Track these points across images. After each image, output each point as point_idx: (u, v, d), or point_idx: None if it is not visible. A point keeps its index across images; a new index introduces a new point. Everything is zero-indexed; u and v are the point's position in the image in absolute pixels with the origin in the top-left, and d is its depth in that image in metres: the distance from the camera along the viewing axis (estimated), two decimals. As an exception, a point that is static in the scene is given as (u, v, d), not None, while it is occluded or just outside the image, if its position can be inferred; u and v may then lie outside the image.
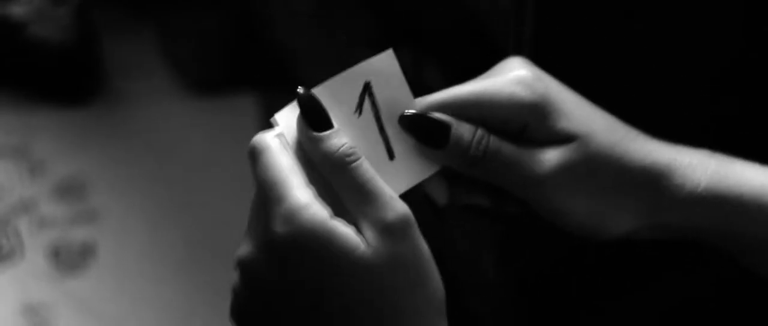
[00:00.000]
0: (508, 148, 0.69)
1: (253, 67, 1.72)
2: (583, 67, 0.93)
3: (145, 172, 1.62)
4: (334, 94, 0.67)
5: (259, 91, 1.71)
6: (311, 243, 0.63)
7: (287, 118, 0.67)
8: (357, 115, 0.67)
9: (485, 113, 0.69)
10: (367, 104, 0.68)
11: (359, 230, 0.64)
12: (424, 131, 0.68)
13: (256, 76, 1.72)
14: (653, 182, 0.69)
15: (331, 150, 0.65)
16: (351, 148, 0.65)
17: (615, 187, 0.69)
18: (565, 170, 0.69)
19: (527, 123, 0.68)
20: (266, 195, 0.64)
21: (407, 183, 0.68)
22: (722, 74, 1.06)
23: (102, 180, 1.61)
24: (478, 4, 1.08)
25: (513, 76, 0.69)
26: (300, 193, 0.63)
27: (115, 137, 1.68)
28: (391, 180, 0.66)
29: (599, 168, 0.69)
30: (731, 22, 1.03)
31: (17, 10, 1.69)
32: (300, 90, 0.66)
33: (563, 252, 1.12)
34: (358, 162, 0.64)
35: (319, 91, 0.66)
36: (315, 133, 0.65)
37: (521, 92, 0.68)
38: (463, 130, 0.68)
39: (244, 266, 0.65)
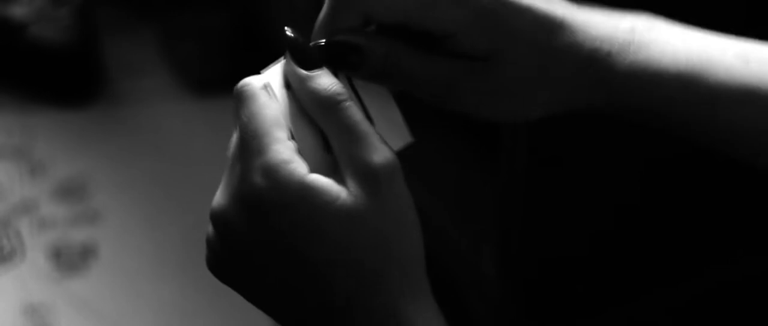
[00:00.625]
0: (418, 66, 0.66)
1: (255, 67, 1.68)
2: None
3: (146, 173, 1.62)
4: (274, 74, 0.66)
5: None
6: (290, 197, 0.61)
7: (275, 71, 0.66)
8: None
9: (411, 20, 0.66)
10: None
11: (342, 178, 0.63)
12: (339, 57, 0.66)
13: (258, 75, 1.70)
14: (575, 74, 0.66)
15: (320, 88, 0.63)
16: (341, 87, 0.64)
17: (533, 85, 0.67)
18: (478, 85, 0.67)
19: (453, 34, 0.66)
20: (247, 145, 0.63)
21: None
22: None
23: (103, 181, 1.61)
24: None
25: None
26: (282, 147, 0.62)
27: (116, 138, 1.67)
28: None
29: (515, 80, 0.67)
30: (732, 22, 1.03)
31: (18, 11, 1.69)
32: (287, 30, 0.65)
33: (564, 250, 1.12)
34: (348, 102, 0.63)
35: (274, 70, 0.66)
36: (304, 72, 0.64)
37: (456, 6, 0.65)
38: (376, 46, 0.66)
39: (219, 217, 0.64)
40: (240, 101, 0.64)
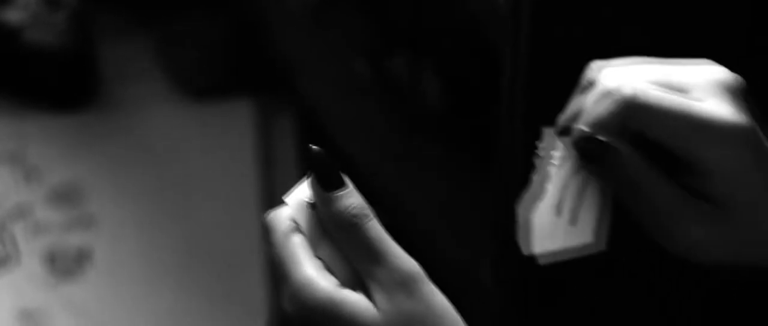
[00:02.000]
0: (659, 190, 0.68)
1: (250, 73, 1.71)
2: (581, 73, 0.93)
3: (142, 178, 1.62)
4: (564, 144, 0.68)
5: (255, 97, 1.70)
6: (320, 317, 0.63)
7: (301, 190, 0.66)
8: (572, 169, 0.68)
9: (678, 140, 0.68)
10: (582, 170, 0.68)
11: (370, 294, 0.63)
12: (593, 153, 0.68)
13: (253, 82, 1.71)
14: None
15: (339, 209, 0.64)
16: (361, 207, 0.64)
17: (754, 242, 0.69)
18: (706, 230, 0.68)
19: (709, 174, 0.67)
20: (277, 274, 0.65)
21: (566, 241, 0.69)
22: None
23: (98, 186, 1.61)
24: (474, 8, 1.08)
25: (732, 124, 0.67)
26: (305, 269, 0.63)
27: (111, 143, 1.67)
28: (554, 234, 0.68)
29: (743, 234, 0.68)
30: (735, 25, 1.03)
31: (13, 16, 1.69)
32: (313, 148, 0.65)
33: (562, 262, 1.12)
34: (366, 221, 0.64)
35: (553, 133, 0.68)
36: (325, 193, 0.64)
37: (733, 146, 0.67)
38: (634, 156, 0.68)
39: None
40: (266, 232, 0.65)
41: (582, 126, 0.68)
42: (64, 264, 1.51)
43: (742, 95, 0.69)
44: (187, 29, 1.73)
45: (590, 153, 0.68)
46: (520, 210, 0.67)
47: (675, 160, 0.68)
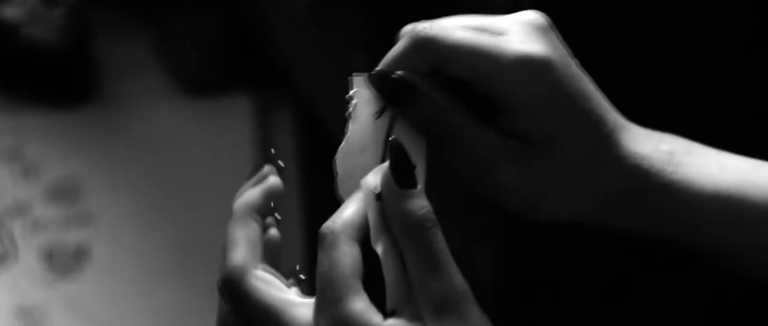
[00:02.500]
0: (468, 131, 0.67)
1: (249, 68, 1.71)
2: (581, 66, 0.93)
3: (140, 174, 1.62)
4: (369, 89, 0.67)
5: (254, 93, 1.70)
6: None
7: (373, 176, 0.65)
8: (375, 117, 0.67)
9: (476, 75, 0.66)
10: (387, 112, 0.67)
11: (417, 310, 0.62)
12: (392, 91, 0.66)
13: (252, 78, 1.71)
14: (615, 185, 0.67)
15: (411, 209, 0.62)
16: (430, 212, 0.62)
17: (573, 186, 0.68)
18: (519, 172, 0.67)
19: (513, 108, 0.66)
20: (323, 293, 0.62)
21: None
22: (722, 73, 1.06)
23: (96, 183, 1.60)
24: (473, 7, 1.08)
25: (523, 54, 0.66)
26: (357, 299, 0.61)
27: (109, 139, 1.67)
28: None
29: (556, 176, 0.67)
30: (729, 21, 1.03)
31: (10, 12, 1.68)
32: (394, 139, 0.63)
33: (563, 254, 1.12)
34: (434, 228, 0.62)
35: (360, 78, 0.67)
36: (399, 189, 0.62)
37: (526, 76, 0.66)
38: (434, 94, 0.66)
39: None
40: (322, 246, 0.63)
41: (379, 66, 0.67)
42: (63, 262, 1.50)
43: (552, 32, 0.68)
44: (185, 26, 1.73)
45: (387, 91, 0.66)
46: (336, 159, 0.66)
47: (488, 102, 0.66)
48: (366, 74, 0.66)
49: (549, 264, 1.12)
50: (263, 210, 0.67)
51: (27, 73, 1.71)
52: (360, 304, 0.61)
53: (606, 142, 0.67)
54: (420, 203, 0.62)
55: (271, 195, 0.67)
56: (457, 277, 0.61)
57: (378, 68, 0.67)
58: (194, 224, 1.55)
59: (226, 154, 1.63)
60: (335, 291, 0.61)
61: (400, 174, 0.62)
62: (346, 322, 0.61)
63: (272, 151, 0.70)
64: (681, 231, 0.69)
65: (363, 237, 0.63)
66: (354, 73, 0.67)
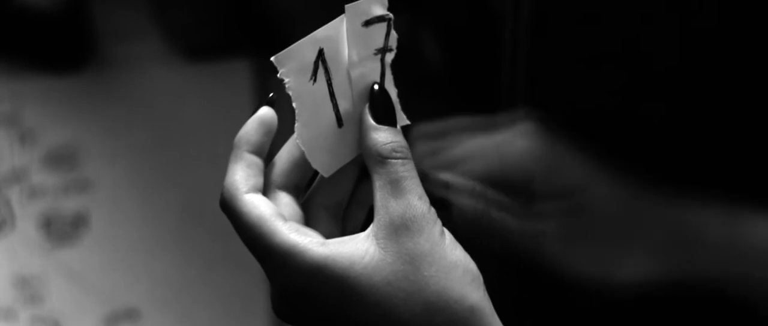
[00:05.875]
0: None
1: (248, 31, 1.70)
2: (584, 30, 0.91)
3: (139, 140, 1.61)
4: (293, 60, 0.68)
5: (254, 57, 1.70)
6: (315, 282, 0.64)
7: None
8: (312, 82, 0.68)
9: (491, 165, 0.73)
10: (321, 71, 0.69)
11: (374, 231, 0.65)
12: (383, 110, 0.69)
13: (252, 41, 1.70)
14: (666, 224, 0.71)
15: (383, 141, 0.67)
16: (403, 146, 0.67)
17: (619, 232, 0.70)
18: (564, 223, 0.70)
19: (533, 174, 0.72)
20: (256, 255, 0.67)
21: (353, 150, 0.69)
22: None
23: (94, 149, 1.59)
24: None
25: (522, 128, 0.72)
26: (278, 239, 0.65)
27: (107, 104, 1.66)
28: (339, 147, 0.68)
29: (601, 218, 0.70)
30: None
31: (6, -25, 1.67)
32: (375, 86, 0.68)
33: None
34: (405, 159, 0.66)
35: (279, 58, 0.69)
36: (373, 122, 0.67)
37: (530, 142, 0.72)
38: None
39: (280, 308, 0.69)
40: (228, 217, 0.69)
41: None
42: (61, 229, 1.50)
43: None
44: (183, -12, 1.72)
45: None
46: (298, 141, 0.69)
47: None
48: (276, 55, 0.69)
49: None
50: (257, 139, 0.70)
51: (23, 38, 1.69)
52: (285, 239, 0.65)
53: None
54: (393, 137, 0.67)
55: (263, 124, 0.70)
56: (418, 202, 0.65)
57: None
58: (194, 190, 1.54)
59: (226, 118, 1.62)
60: (257, 247, 0.67)
61: (379, 113, 0.67)
62: (286, 262, 0.65)
63: (271, 94, 0.73)
64: None
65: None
66: (272, 58, 0.69)
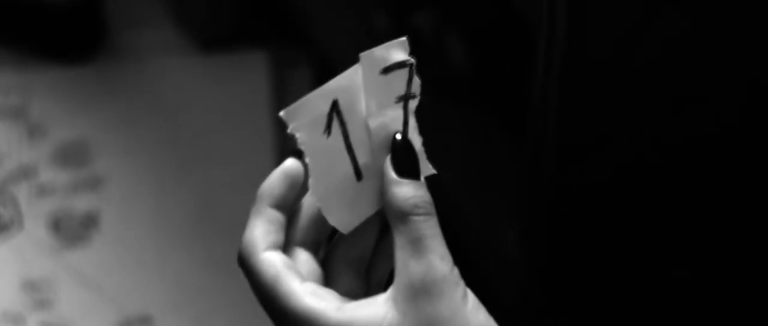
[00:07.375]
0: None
1: (265, 22, 1.70)
2: (620, 32, 0.88)
3: (152, 134, 1.60)
4: (304, 114, 0.66)
5: (270, 48, 1.69)
6: None
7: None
8: (326, 135, 0.66)
9: None
10: (335, 123, 0.67)
11: (394, 293, 0.64)
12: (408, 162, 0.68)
13: (268, 32, 1.70)
14: None
15: (405, 197, 0.65)
16: (426, 201, 0.66)
17: None
18: None
19: None
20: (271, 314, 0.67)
21: (374, 205, 0.68)
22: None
23: (105, 144, 1.58)
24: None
25: None
26: (294, 300, 0.64)
27: (119, 96, 1.65)
28: (358, 202, 0.67)
29: None
30: None
31: (15, -38, 1.67)
32: (398, 136, 0.67)
33: (593, 235, 1.09)
34: (427, 216, 0.65)
35: (288, 113, 0.66)
36: (395, 176, 0.66)
37: None
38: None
39: None
40: (244, 275, 0.68)
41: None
42: (70, 229, 1.48)
43: None
44: (198, -25, 1.72)
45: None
46: (313, 197, 0.68)
47: None
48: (286, 109, 0.67)
49: (578, 247, 1.10)
50: (281, 193, 0.69)
51: (32, 27, 1.69)
52: (302, 301, 0.64)
53: None
54: (415, 192, 0.65)
55: (287, 176, 0.68)
56: (440, 263, 0.64)
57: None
58: (209, 188, 1.53)
59: (241, 111, 1.62)
60: (273, 307, 0.65)
61: (401, 164, 0.66)
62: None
63: (290, 132, 0.69)
64: None
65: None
66: (280, 113, 0.67)
